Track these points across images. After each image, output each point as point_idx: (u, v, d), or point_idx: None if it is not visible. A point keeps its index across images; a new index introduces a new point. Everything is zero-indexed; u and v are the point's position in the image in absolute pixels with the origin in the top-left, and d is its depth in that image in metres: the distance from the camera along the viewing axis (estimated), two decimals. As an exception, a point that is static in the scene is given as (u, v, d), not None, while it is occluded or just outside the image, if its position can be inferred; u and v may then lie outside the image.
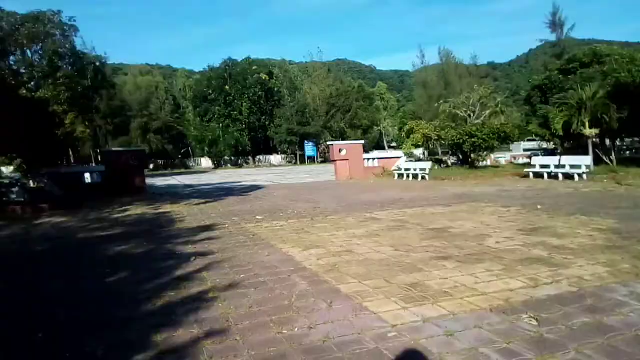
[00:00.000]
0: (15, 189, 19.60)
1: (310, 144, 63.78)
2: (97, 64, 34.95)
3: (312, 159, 64.58)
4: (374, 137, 77.11)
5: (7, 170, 38.64)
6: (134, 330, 4.10)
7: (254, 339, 3.76)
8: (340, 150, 25.60)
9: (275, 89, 70.15)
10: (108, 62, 43.59)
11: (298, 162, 64.81)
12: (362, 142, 28.63)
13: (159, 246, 8.05)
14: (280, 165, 61.89)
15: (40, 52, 28.23)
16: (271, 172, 40.42)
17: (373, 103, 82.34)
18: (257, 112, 66.13)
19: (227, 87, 65.09)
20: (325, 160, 59.79)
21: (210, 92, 66.61)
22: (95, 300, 5.07)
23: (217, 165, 65.34)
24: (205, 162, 67.41)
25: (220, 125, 64.56)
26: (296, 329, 3.94)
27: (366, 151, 30.68)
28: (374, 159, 27.32)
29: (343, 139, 54.01)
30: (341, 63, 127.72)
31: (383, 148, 73.40)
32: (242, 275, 5.74)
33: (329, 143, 32.21)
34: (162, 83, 79.58)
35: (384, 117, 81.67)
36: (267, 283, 5.37)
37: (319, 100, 67.00)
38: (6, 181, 22.89)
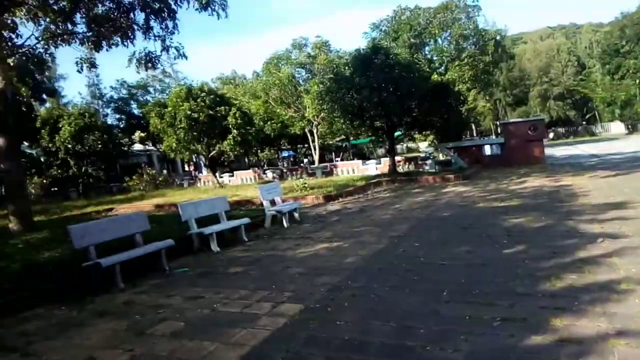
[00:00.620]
0: (429, 162, 23.09)
1: None
2: (497, 38, 35.44)
3: None
4: None
5: (423, 145, 46.01)
6: (529, 307, 3.96)
7: (691, 358, 2.86)
8: None
9: None
10: (507, 35, 43.74)
11: None
12: None
13: (558, 222, 7.45)
14: None
15: (448, 38, 31.36)
16: None
17: None
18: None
19: (648, 32, 52.21)
20: None
21: (624, 43, 55.17)
22: (491, 269, 5.23)
23: (632, 130, 54.03)
24: (616, 127, 57.15)
25: (637, 81, 52.69)
26: None
27: None
28: None
29: None
30: None
31: None
32: (671, 270, 4.49)
33: None
34: (564, 44, 72.58)
35: None
36: None
37: None
38: (422, 155, 27.29)
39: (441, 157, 25.04)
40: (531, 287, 4.46)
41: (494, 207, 9.83)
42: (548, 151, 25.54)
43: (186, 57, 13.45)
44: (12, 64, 12.95)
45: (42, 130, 27.56)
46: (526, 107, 64.30)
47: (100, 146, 28.29)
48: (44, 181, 27.74)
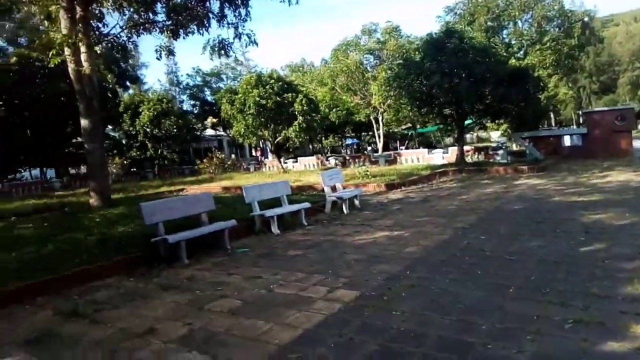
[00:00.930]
0: (500, 152, 21.87)
1: None
2: (585, 19, 32.60)
3: None
4: None
5: (495, 135, 43.74)
6: (606, 311, 3.60)
7: None
8: None
9: None
10: (596, 16, 39.96)
11: None
12: None
13: (648, 220, 6.73)
14: None
15: (529, 20, 29.36)
16: None
17: None
18: None
19: None
20: None
21: None
22: (565, 267, 4.83)
23: None
24: None
25: None
26: None
27: None
28: None
29: None
30: None
31: None
32: None
33: None
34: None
35: None
36: None
37: None
38: (494, 145, 25.92)
39: (514, 147, 23.59)
40: (610, 289, 4.05)
41: (571, 202, 9.09)
42: (637, 143, 23.23)
43: (257, 44, 13.74)
44: (99, 51, 13.97)
45: (125, 115, 29.59)
46: (614, 95, 58.88)
47: (175, 130, 29.88)
48: (124, 162, 29.86)
